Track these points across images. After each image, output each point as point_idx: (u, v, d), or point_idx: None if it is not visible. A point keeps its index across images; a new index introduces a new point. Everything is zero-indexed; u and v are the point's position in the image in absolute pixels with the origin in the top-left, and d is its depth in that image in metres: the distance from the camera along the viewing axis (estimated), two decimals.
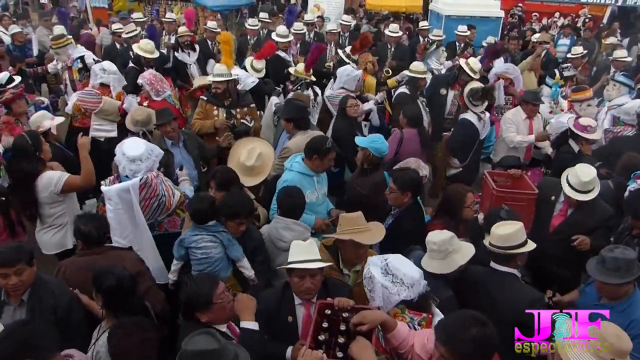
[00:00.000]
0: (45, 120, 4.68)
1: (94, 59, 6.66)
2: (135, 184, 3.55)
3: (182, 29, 7.93)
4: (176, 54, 7.73)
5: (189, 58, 7.76)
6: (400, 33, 9.14)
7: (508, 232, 3.01)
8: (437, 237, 2.99)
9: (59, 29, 7.14)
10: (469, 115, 5.56)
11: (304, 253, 2.70)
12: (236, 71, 5.80)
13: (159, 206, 3.74)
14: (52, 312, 2.79)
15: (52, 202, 3.98)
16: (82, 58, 6.66)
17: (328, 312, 2.54)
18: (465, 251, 3.02)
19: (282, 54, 7.60)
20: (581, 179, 3.80)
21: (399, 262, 2.57)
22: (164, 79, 5.81)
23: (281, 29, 7.98)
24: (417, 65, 6.27)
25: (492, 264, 3.10)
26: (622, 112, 5.43)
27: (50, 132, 4.64)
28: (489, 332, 1.99)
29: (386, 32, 8.92)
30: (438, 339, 2.05)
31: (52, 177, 3.93)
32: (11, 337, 2.18)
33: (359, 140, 4.36)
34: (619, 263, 2.82)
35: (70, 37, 7.05)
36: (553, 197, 4.10)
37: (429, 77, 6.62)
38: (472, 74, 6.04)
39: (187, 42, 7.73)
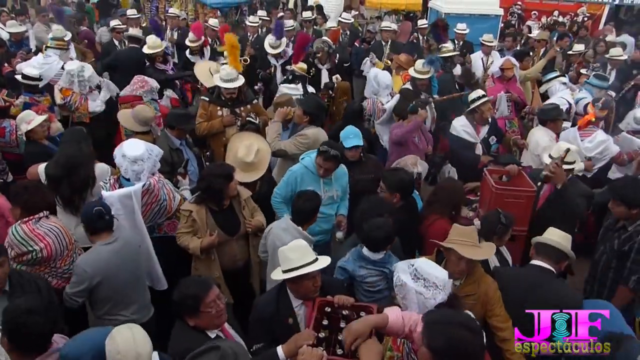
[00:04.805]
0: (22, 124, 4.62)
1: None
2: (137, 190, 3.49)
3: (192, 37, 7.57)
4: (188, 56, 7.56)
5: (201, 60, 7.47)
6: (395, 27, 9.10)
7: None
8: None
9: (58, 30, 7.07)
10: None
11: (306, 255, 2.68)
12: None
13: (159, 210, 3.73)
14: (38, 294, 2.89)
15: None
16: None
17: (328, 309, 2.56)
18: None
19: (272, 60, 7.38)
20: (562, 148, 4.08)
21: (427, 265, 2.45)
22: (142, 84, 5.55)
23: (271, 39, 7.41)
24: (420, 65, 5.98)
25: (533, 261, 3.11)
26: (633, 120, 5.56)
27: (34, 130, 4.55)
28: (470, 338, 1.88)
29: (379, 28, 8.82)
30: (422, 328, 1.99)
31: (103, 166, 4.03)
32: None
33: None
34: None
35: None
36: (539, 183, 4.18)
37: None
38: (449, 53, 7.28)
39: (198, 49, 7.60)
